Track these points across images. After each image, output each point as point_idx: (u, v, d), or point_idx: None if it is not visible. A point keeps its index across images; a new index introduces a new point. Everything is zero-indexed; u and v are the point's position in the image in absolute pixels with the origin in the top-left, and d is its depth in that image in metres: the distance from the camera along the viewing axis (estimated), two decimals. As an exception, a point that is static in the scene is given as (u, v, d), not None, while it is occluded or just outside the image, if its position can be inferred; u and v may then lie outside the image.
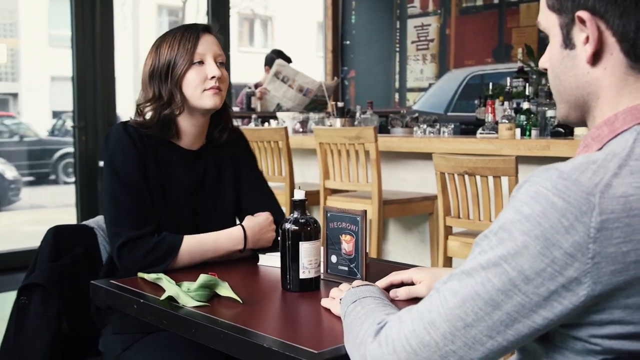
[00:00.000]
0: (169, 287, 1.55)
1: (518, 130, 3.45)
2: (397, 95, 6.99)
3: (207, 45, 1.93)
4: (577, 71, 1.07)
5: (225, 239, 1.90)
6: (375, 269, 1.73)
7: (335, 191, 3.73)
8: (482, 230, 2.92)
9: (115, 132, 1.92)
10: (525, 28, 5.97)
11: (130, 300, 1.59)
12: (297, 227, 1.62)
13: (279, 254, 1.90)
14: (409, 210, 3.54)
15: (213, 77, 1.91)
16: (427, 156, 3.68)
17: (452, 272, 1.02)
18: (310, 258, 1.62)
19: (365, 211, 1.66)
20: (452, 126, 3.95)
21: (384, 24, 7.02)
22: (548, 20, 1.10)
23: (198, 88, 1.91)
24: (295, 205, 1.65)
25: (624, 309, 0.92)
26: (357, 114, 4.59)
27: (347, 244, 1.68)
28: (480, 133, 3.64)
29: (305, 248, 1.61)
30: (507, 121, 3.48)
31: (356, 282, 1.48)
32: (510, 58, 6.05)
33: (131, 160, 1.88)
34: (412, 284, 1.54)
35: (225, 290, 1.53)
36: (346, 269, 1.69)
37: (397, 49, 6.93)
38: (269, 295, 1.63)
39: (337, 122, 4.40)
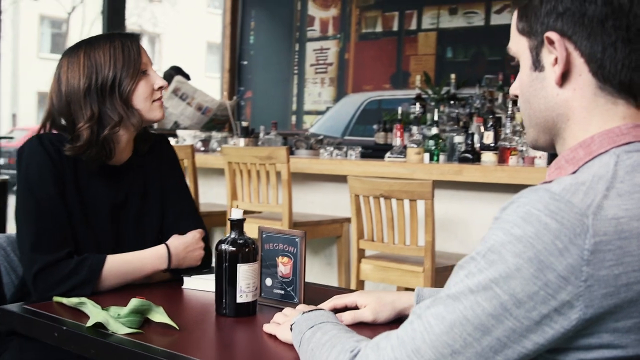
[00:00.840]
0: (96, 312, 1.42)
1: (426, 155, 3.49)
2: (294, 118, 6.97)
3: (146, 55, 1.83)
4: (546, 93, 1.06)
5: (150, 258, 1.78)
6: (311, 293, 1.66)
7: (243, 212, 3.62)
8: (397, 253, 2.93)
9: (30, 147, 1.76)
10: (423, 56, 6.10)
11: (49, 328, 1.44)
12: (234, 248, 1.53)
13: (204, 276, 1.82)
14: (317, 233, 3.49)
15: (160, 88, 1.81)
16: (335, 178, 3.66)
17: (434, 297, 0.97)
18: (248, 281, 1.53)
19: (305, 232, 1.59)
20: (360, 149, 3.95)
21: (282, 45, 7.00)
22: (518, 45, 1.10)
23: (147, 100, 1.80)
24: (233, 225, 1.56)
25: (613, 333, 0.90)
26: (261, 135, 4.52)
27: (284, 266, 1.61)
28: (389, 157, 3.66)
29: (244, 270, 1.52)
30: (415, 145, 3.52)
31: (302, 307, 1.41)
32: (407, 85, 6.16)
33: (47, 176, 1.73)
34: (356, 308, 1.49)
35: (159, 315, 1.41)
36: (282, 292, 1.61)
37: (296, 72, 6.92)
38: (203, 321, 1.52)
39: (241, 141, 4.32)
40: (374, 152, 4.44)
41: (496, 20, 5.68)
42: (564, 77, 1.04)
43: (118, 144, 1.83)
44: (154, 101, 1.83)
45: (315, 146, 4.32)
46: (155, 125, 5.48)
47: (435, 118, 3.70)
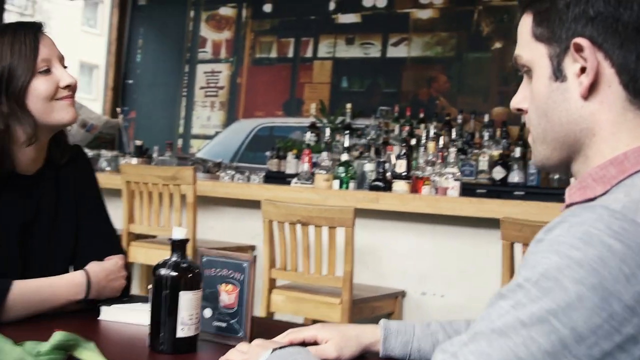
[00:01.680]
0: (9, 349, 1.16)
1: (336, 182, 3.38)
2: (180, 141, 6.69)
3: (50, 48, 1.58)
4: (568, 105, 0.95)
5: (64, 286, 1.53)
6: (257, 326, 1.47)
7: (139, 236, 3.35)
8: (312, 284, 2.76)
9: None
10: (318, 84, 6.04)
11: (-54, 367, 1.17)
12: (177, 273, 1.31)
13: (125, 306, 1.59)
14: (222, 261, 3.27)
15: (68, 86, 1.56)
16: (236, 203, 3.48)
17: (472, 331, 0.82)
18: (191, 312, 1.32)
19: (255, 257, 1.41)
20: (263, 174, 3.78)
21: (171, 66, 6.73)
22: (532, 52, 0.99)
23: (47, 100, 1.54)
24: (175, 246, 1.35)
25: None
26: (154, 155, 4.25)
27: (227, 294, 1.41)
28: (295, 182, 3.51)
29: (187, 299, 1.31)
30: (324, 172, 3.40)
31: (260, 342, 1.23)
32: (301, 112, 6.07)
33: None
34: (316, 343, 1.31)
35: (89, 352, 1.18)
36: (224, 325, 1.41)
37: (184, 94, 6.67)
38: (135, 359, 1.30)
39: (134, 161, 4.04)
40: (267, 179, 4.28)
41: (392, 52, 5.71)
42: (591, 89, 0.93)
43: (17, 150, 1.57)
44: (57, 99, 1.57)
45: (213, 170, 4.11)
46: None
47: (346, 144, 3.59)
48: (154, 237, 3.42)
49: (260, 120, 6.33)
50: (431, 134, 3.97)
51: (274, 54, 6.25)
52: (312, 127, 5.53)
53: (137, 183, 3.19)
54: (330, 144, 4.98)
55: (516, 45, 1.03)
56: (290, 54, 6.17)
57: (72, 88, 1.59)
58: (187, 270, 1.32)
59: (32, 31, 1.57)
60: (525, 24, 1.00)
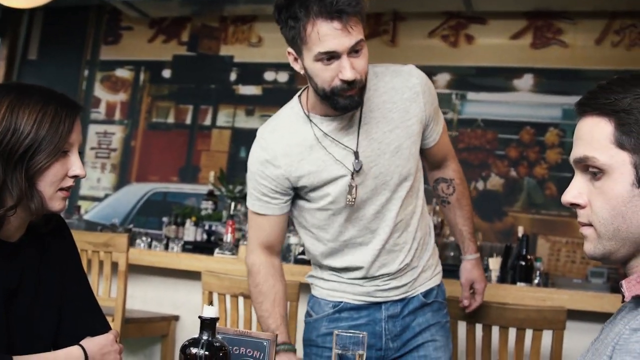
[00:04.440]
0: None
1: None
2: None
3: (78, 134, 1.57)
4: None
5: None
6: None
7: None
8: None
9: None
10: (216, 153, 6.07)
11: None
12: (209, 353, 1.34)
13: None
14: (147, 331, 3.20)
15: (75, 176, 1.54)
16: (159, 272, 3.44)
17: None
18: (222, 391, 1.34)
19: (276, 335, 1.45)
20: (182, 243, 3.76)
21: (61, 124, 6.54)
22: (613, 158, 1.09)
23: (54, 186, 1.52)
24: (205, 324, 1.37)
25: None
26: (60, 218, 4.12)
27: (246, 373, 1.44)
28: (219, 252, 3.53)
29: (220, 378, 1.33)
30: (248, 243, 3.43)
31: None
32: (197, 179, 6.06)
33: None
34: None
35: None
36: (242, 404, 1.44)
37: (74, 153, 6.48)
38: None
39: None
40: (187, 248, 4.25)
41: (292, 126, 5.86)
42: None
43: (10, 223, 1.54)
44: (60, 189, 1.56)
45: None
46: None
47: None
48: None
49: (153, 185, 6.25)
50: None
51: (171, 120, 6.23)
52: (210, 195, 5.55)
53: (63, 249, 3.08)
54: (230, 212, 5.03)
55: (579, 144, 1.13)
56: (188, 121, 6.19)
57: (74, 180, 1.57)
58: (219, 349, 1.35)
59: (73, 112, 1.55)
60: (602, 128, 1.10)
